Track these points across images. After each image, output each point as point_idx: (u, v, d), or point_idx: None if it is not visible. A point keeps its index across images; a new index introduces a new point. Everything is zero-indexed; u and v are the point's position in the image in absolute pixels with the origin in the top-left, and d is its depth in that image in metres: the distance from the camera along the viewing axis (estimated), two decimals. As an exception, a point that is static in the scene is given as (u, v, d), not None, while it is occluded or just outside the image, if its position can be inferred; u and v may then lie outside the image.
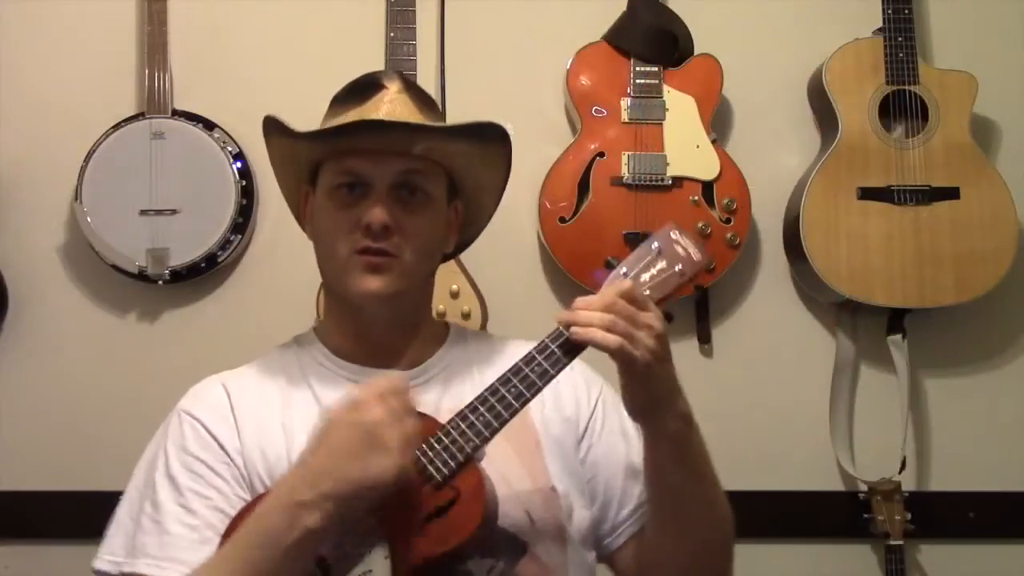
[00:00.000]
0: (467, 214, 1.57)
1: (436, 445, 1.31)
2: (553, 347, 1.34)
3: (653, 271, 1.38)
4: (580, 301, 1.33)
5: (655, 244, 1.39)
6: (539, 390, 1.34)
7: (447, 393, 1.49)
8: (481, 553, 1.35)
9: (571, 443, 1.51)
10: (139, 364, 2.47)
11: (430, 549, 1.28)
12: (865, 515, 2.38)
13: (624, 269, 1.37)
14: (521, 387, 1.33)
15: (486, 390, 1.34)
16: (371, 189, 1.44)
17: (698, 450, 1.41)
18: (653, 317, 1.32)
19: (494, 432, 1.32)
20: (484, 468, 1.33)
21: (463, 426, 1.32)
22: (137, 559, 1.38)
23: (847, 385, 2.51)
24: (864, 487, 2.43)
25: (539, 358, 1.34)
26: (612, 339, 1.29)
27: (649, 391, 1.33)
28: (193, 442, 1.43)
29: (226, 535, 1.34)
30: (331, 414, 1.28)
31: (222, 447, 1.42)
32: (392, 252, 1.43)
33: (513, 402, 1.32)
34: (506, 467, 1.41)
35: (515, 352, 1.42)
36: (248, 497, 1.39)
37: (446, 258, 1.60)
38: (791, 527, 2.47)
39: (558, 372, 1.34)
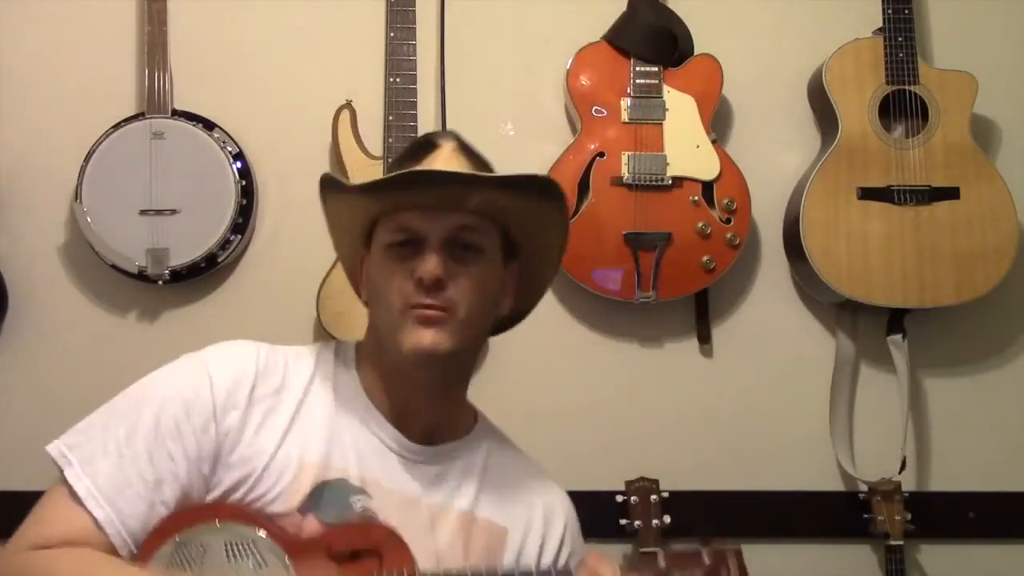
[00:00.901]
0: (525, 278, 1.53)
1: None
2: None
3: (686, 575, 1.33)
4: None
5: (706, 555, 1.33)
6: None
7: (439, 488, 1.48)
8: None
9: None
10: (139, 364, 2.45)
11: None
12: (865, 515, 2.39)
13: (663, 564, 1.34)
14: None
15: (470, 569, 1.35)
16: (425, 244, 1.41)
17: None
18: None
19: None
20: None
21: None
22: (83, 476, 1.36)
23: (847, 385, 2.51)
24: (864, 487, 2.43)
25: None
26: None
27: None
28: (194, 401, 1.40)
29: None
30: None
31: (215, 420, 1.40)
32: (445, 307, 1.40)
33: None
34: None
35: (527, 484, 1.53)
36: (208, 474, 1.38)
37: (500, 328, 1.57)
38: (791, 527, 2.47)
39: None
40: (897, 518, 2.34)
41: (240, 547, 1.36)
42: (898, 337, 2.44)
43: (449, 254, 1.41)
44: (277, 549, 1.36)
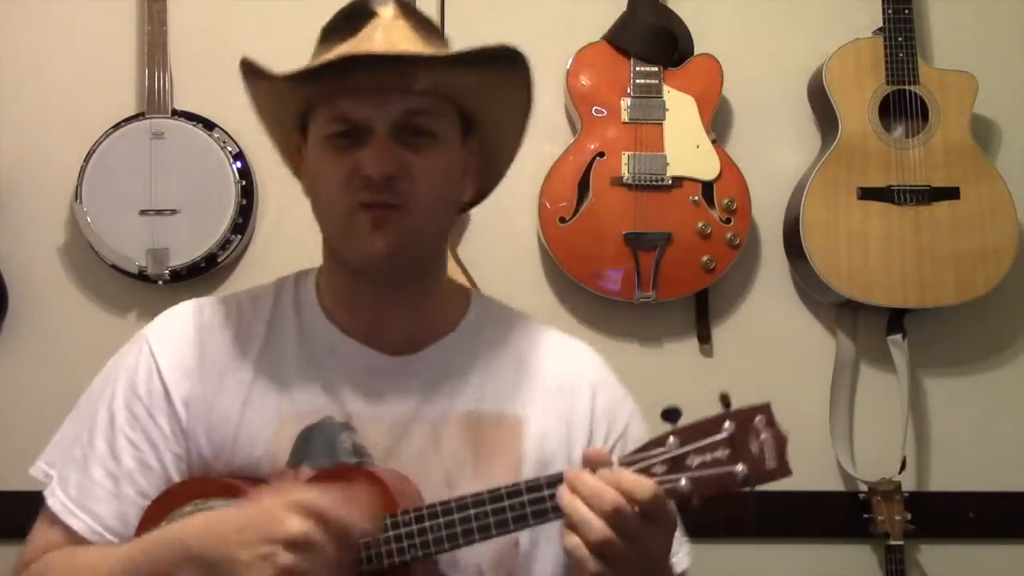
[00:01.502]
0: (485, 155, 1.36)
1: (384, 530, 1.18)
2: (546, 494, 1.14)
3: (707, 457, 1.10)
4: (604, 474, 1.10)
5: (729, 425, 1.11)
6: (508, 532, 1.17)
7: (433, 397, 1.32)
8: None
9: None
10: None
11: None
12: (865, 515, 2.38)
13: (673, 440, 1.12)
14: (492, 521, 1.15)
15: (455, 502, 1.17)
16: (370, 134, 1.24)
17: None
18: (650, 532, 1.09)
19: (441, 552, 1.18)
20: None
21: (415, 528, 1.17)
22: (57, 491, 1.33)
23: (847, 385, 2.51)
24: (864, 487, 2.43)
25: (525, 498, 1.15)
26: (584, 552, 1.08)
27: None
28: (143, 382, 1.32)
29: (142, 524, 1.28)
30: (262, 503, 1.14)
31: (168, 395, 1.31)
32: (398, 203, 1.24)
33: (475, 533, 1.16)
34: None
35: (538, 360, 1.33)
36: (182, 452, 1.30)
37: (464, 208, 1.41)
38: (791, 527, 2.47)
39: (538, 524, 1.16)
40: (897, 518, 2.34)
41: None
42: (898, 337, 2.44)
43: (399, 141, 1.25)
44: None
